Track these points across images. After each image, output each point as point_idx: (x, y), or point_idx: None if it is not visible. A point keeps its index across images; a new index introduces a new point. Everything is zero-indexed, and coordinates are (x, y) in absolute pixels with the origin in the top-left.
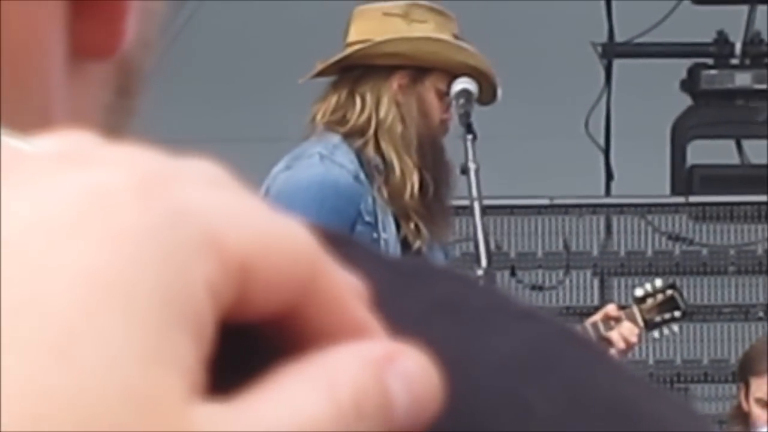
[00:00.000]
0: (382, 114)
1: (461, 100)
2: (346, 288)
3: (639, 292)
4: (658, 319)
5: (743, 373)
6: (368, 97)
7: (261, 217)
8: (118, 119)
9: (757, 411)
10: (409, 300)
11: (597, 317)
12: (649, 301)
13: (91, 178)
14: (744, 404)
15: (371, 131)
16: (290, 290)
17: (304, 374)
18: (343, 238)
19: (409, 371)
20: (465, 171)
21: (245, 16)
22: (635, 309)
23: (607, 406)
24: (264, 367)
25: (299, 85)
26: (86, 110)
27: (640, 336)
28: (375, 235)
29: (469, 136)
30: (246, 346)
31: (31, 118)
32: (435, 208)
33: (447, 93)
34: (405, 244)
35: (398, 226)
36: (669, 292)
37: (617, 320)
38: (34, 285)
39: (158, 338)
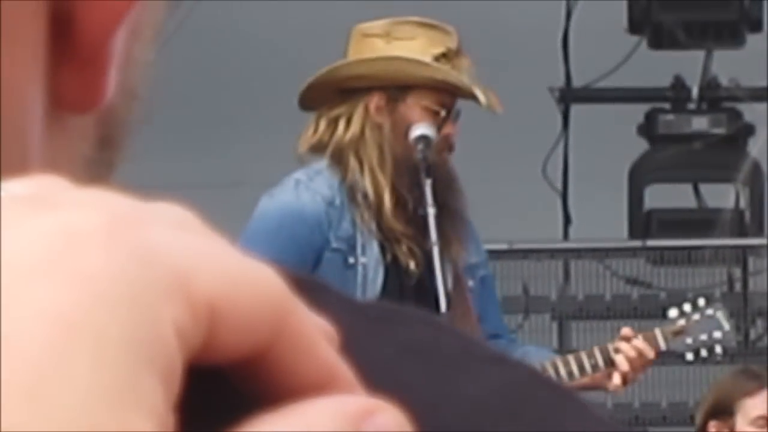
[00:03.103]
0: (348, 137)
1: (420, 145)
2: (316, 331)
3: (673, 313)
4: (689, 341)
5: (722, 406)
6: (340, 122)
7: (229, 260)
8: (100, 171)
9: None
10: (379, 344)
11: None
12: (680, 322)
13: (61, 220)
14: None
15: (345, 156)
16: (260, 333)
17: (280, 425)
18: (312, 282)
19: (385, 426)
20: (424, 215)
21: (202, 61)
22: (657, 330)
23: None
24: (235, 411)
25: (258, 130)
26: (66, 163)
27: (646, 358)
28: (352, 260)
29: (428, 181)
30: (216, 390)
31: (8, 171)
32: (446, 226)
33: (441, 110)
34: (398, 267)
35: (384, 251)
36: (709, 311)
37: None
38: (3, 326)
39: (126, 380)
